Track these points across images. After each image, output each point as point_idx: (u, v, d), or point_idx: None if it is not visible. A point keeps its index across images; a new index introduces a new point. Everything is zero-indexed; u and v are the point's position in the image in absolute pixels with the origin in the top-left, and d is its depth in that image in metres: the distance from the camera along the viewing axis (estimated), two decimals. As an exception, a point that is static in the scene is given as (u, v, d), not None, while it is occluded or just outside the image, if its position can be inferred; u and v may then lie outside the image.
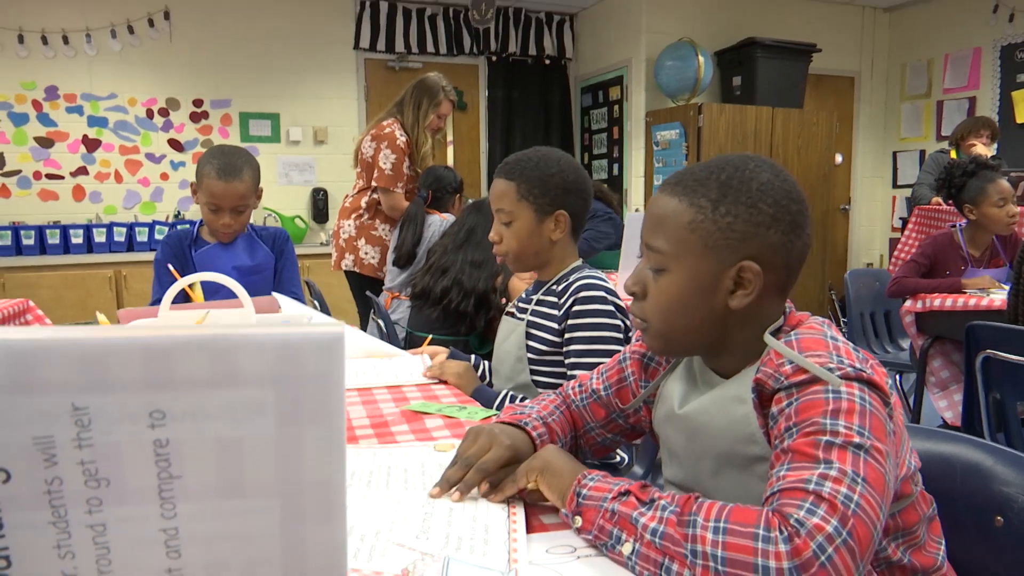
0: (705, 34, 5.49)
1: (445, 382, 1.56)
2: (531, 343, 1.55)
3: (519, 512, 0.87)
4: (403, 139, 3.19)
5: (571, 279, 1.52)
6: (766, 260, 0.86)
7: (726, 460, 0.87)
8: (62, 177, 5.12)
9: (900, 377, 3.24)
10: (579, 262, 1.60)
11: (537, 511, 0.89)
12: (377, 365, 1.67)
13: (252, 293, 1.99)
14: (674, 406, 0.95)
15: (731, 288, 0.87)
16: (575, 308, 1.48)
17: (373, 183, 3.21)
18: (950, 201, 3.04)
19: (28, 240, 4.76)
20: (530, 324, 1.57)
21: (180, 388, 0.37)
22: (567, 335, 1.48)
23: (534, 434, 0.99)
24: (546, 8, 6.15)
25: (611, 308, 1.48)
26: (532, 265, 1.60)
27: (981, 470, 1.02)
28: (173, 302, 1.18)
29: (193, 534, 0.40)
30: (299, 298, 2.12)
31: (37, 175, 5.07)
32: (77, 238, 4.83)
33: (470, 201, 2.72)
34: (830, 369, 0.76)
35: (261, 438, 0.39)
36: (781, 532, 0.67)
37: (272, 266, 2.12)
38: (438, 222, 3.02)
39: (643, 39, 5.53)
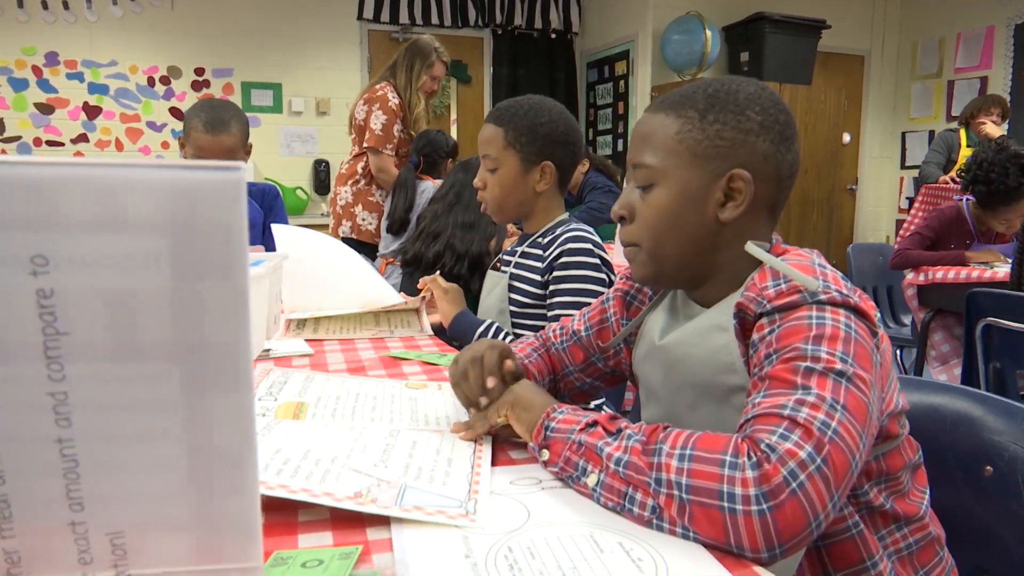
0: (713, 8, 5.40)
1: (433, 343, 1.53)
2: (513, 295, 1.52)
3: (486, 447, 0.84)
4: (395, 101, 3.15)
5: (558, 232, 1.50)
6: (756, 169, 0.83)
7: (704, 391, 0.84)
8: (62, 144, 5.09)
9: (901, 352, 3.20)
10: (565, 215, 1.57)
11: (506, 446, 0.86)
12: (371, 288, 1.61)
13: (240, 249, 1.97)
14: (654, 339, 0.91)
15: (721, 200, 0.84)
16: (561, 260, 1.45)
17: (365, 145, 3.17)
18: (968, 191, 2.82)
19: (28, 206, 4.74)
20: (513, 276, 1.54)
21: (64, 230, 0.34)
22: (551, 287, 1.45)
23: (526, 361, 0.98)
24: (553, -19, 6.06)
25: (597, 261, 1.44)
26: (514, 215, 1.57)
27: (971, 419, 0.98)
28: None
29: (84, 400, 0.37)
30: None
31: (37, 142, 5.04)
32: (77, 205, 4.81)
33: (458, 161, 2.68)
34: (813, 294, 0.73)
35: (155, 292, 0.36)
36: (750, 458, 0.63)
37: (260, 223, 2.09)
38: (431, 188, 2.98)
39: (650, 13, 5.45)
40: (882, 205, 6.51)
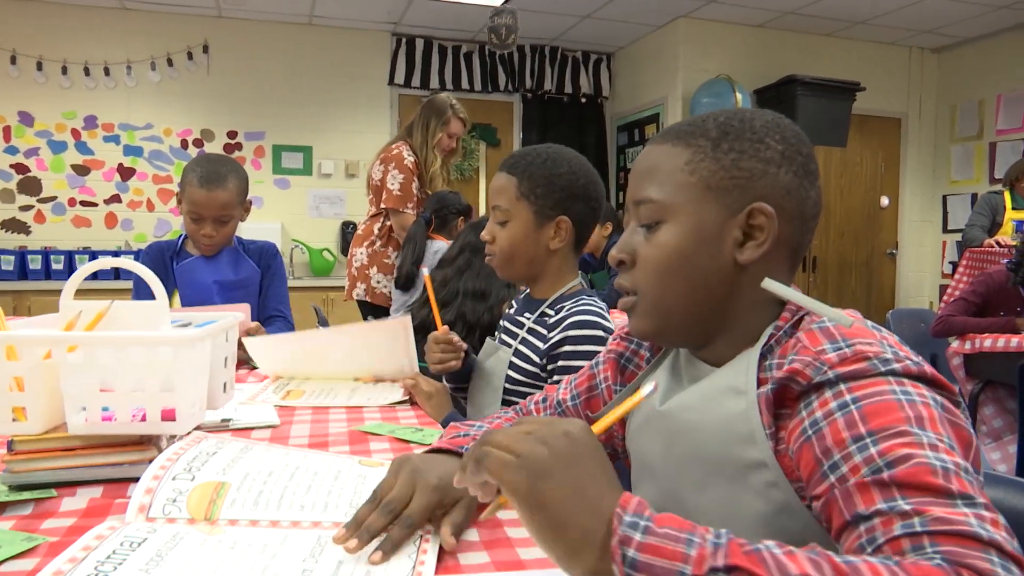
0: (743, 71, 5.35)
1: (416, 404, 1.40)
2: (511, 372, 1.37)
3: (429, 555, 0.69)
4: (411, 159, 3.10)
5: (566, 307, 1.32)
6: (779, 204, 0.71)
7: (715, 468, 0.69)
8: (96, 204, 5.18)
9: (949, 428, 2.95)
10: (577, 282, 1.41)
11: (454, 552, 0.72)
12: (358, 387, 1.51)
13: (235, 309, 1.89)
14: (654, 404, 0.77)
15: (740, 239, 0.72)
16: (564, 347, 1.28)
17: (382, 206, 3.11)
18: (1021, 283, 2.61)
19: (57, 265, 4.79)
20: (515, 353, 1.39)
21: None
22: (554, 376, 1.29)
23: None
24: (583, 48, 6.09)
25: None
26: (522, 274, 1.40)
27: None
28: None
29: None
30: (284, 316, 2.00)
31: (72, 202, 5.14)
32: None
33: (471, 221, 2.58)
34: (885, 361, 0.59)
35: None
36: None
37: (257, 282, 2.00)
38: (443, 248, 2.89)
39: (679, 76, 5.42)
40: (924, 270, 6.27)
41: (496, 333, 1.53)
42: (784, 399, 0.65)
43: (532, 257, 1.37)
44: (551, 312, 1.35)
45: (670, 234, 0.73)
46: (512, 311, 1.50)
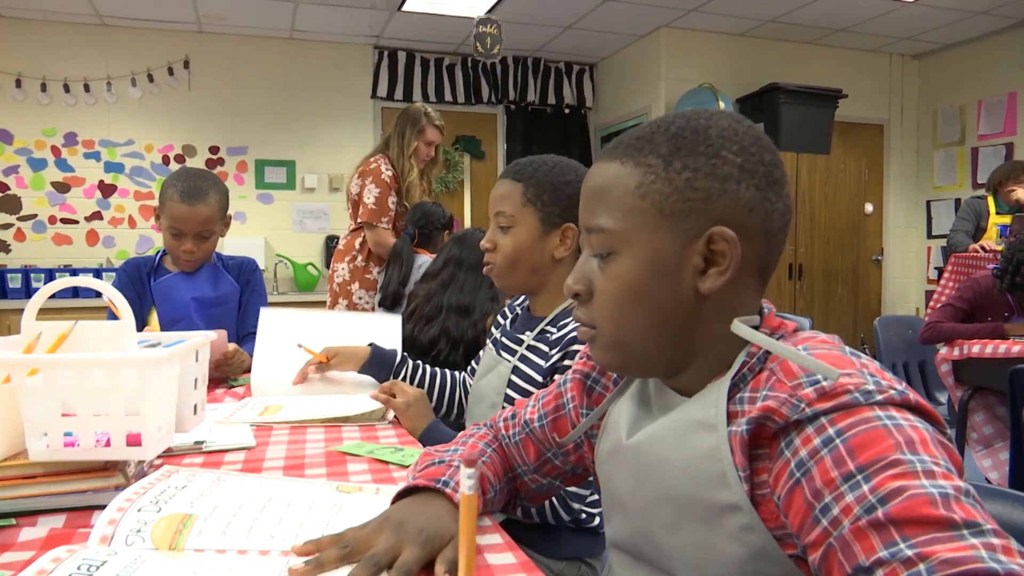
0: (726, 80, 5.37)
1: (398, 421, 1.36)
2: (509, 391, 1.33)
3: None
4: (389, 173, 3.06)
5: (568, 323, 1.27)
6: (740, 224, 0.66)
7: (687, 509, 0.65)
8: (76, 222, 5.11)
9: (938, 434, 2.94)
10: None
11: None
12: (336, 399, 1.48)
13: (214, 326, 1.85)
14: (621, 436, 0.73)
15: (701, 267, 0.67)
16: (567, 366, 1.23)
17: (358, 220, 3.08)
18: (1008, 291, 2.57)
19: (38, 283, 4.71)
20: (515, 370, 1.34)
21: None
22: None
23: (456, 497, 0.75)
24: (566, 58, 6.10)
25: None
26: (523, 283, 1.36)
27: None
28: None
29: None
30: (263, 333, 1.96)
31: (52, 219, 5.07)
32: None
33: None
34: (867, 393, 0.56)
35: None
36: None
37: (237, 298, 1.96)
38: (428, 262, 2.86)
39: (663, 86, 5.43)
40: (910, 276, 6.29)
41: (485, 348, 1.50)
42: (760, 438, 0.61)
43: (536, 265, 1.33)
44: (552, 329, 1.31)
45: (624, 266, 0.68)
46: (511, 326, 1.46)
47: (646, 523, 0.70)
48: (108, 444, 0.83)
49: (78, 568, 0.63)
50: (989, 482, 2.45)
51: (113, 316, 1.84)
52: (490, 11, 4.77)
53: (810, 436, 0.56)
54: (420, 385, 1.57)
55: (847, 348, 0.64)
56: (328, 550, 0.67)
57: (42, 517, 0.82)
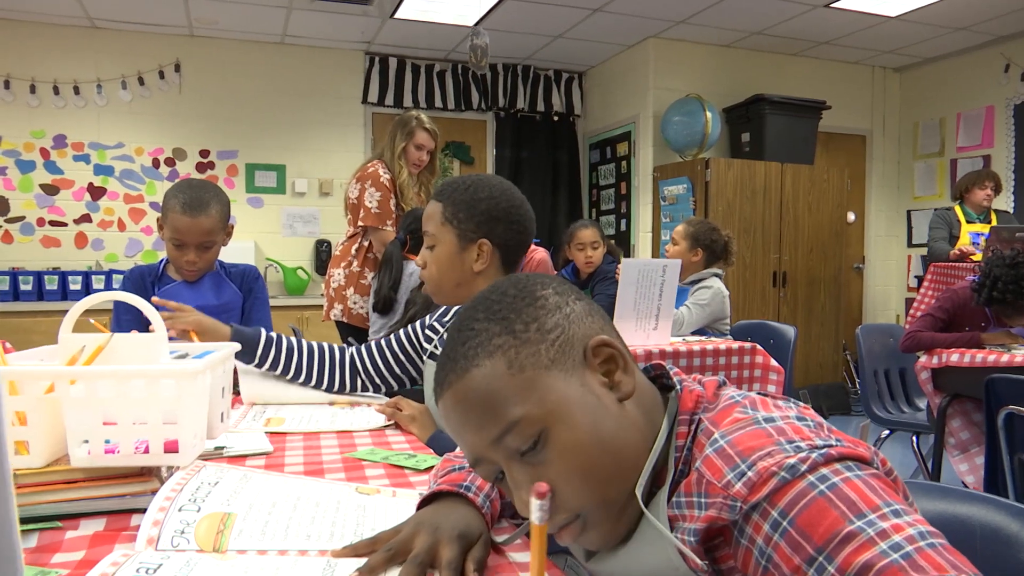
0: (713, 90, 5.47)
1: (401, 427, 1.41)
2: None
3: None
4: (387, 176, 3.13)
5: None
6: (597, 328, 0.71)
7: None
8: (65, 224, 5.10)
9: (917, 439, 3.03)
10: None
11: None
12: (337, 413, 1.53)
13: (218, 334, 1.88)
14: (580, 558, 0.76)
15: (606, 381, 0.70)
16: None
17: (360, 224, 3.13)
18: (985, 304, 2.63)
19: (26, 286, 4.70)
20: None
21: None
22: None
23: (478, 500, 0.80)
24: (555, 66, 6.17)
25: None
26: (453, 298, 1.46)
27: (1004, 535, 0.86)
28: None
29: None
30: (268, 340, 2.00)
31: (41, 222, 5.06)
32: (75, 284, 4.78)
33: None
34: (791, 468, 0.58)
35: None
36: None
37: (240, 306, 2.00)
38: (419, 270, 2.90)
39: (650, 95, 5.51)
40: (891, 284, 6.42)
41: (425, 362, 1.56)
42: (709, 534, 0.63)
43: (459, 280, 1.42)
44: None
45: (564, 435, 0.66)
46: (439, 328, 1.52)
47: None
48: (147, 451, 0.88)
49: (136, 571, 0.68)
50: (966, 486, 2.54)
51: (118, 322, 1.88)
52: (482, 19, 4.84)
53: (759, 524, 0.59)
54: (288, 356, 1.58)
55: (762, 413, 0.65)
56: (375, 555, 0.72)
57: (84, 520, 0.87)
